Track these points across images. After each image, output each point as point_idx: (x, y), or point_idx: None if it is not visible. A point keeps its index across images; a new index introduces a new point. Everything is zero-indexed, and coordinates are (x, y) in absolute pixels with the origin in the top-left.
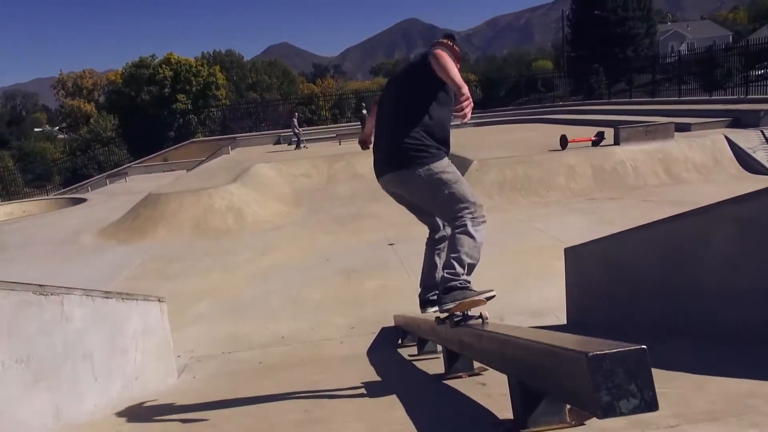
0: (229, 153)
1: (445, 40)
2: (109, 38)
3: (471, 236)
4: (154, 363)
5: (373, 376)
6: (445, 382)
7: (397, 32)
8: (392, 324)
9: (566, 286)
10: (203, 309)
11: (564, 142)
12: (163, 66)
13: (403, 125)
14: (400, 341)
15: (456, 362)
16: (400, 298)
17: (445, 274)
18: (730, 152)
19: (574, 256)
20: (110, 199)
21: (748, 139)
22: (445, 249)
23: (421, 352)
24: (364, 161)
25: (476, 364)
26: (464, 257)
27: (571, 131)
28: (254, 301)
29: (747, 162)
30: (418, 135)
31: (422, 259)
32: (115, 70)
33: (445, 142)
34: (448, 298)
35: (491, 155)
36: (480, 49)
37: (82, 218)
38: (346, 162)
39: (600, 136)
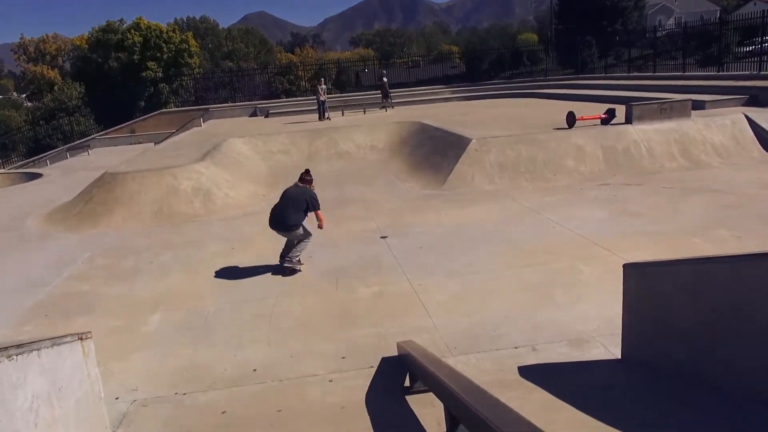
0: (201, 125)
1: (309, 178)
2: (74, 2)
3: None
4: (72, 431)
5: None
6: None
7: (375, 3)
8: (394, 353)
9: (624, 311)
10: (156, 325)
11: (571, 119)
12: (132, 31)
13: (293, 215)
14: (408, 384)
15: None
16: (402, 312)
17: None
18: (752, 133)
19: (640, 275)
20: (68, 175)
21: None
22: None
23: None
24: (348, 138)
25: None
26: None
27: (571, 108)
28: (220, 315)
29: None
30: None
31: (420, 257)
32: (80, 35)
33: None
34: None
35: (489, 133)
36: (460, 21)
37: (33, 198)
38: (328, 138)
39: (611, 114)
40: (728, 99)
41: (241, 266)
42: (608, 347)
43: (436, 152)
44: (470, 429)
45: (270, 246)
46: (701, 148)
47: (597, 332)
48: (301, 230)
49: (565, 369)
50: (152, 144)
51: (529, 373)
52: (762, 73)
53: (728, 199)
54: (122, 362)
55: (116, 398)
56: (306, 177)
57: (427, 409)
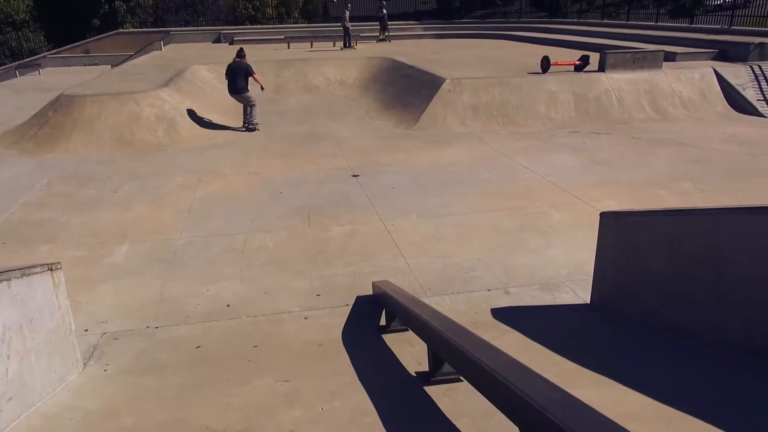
0: (161, 49)
1: (243, 54)
2: None
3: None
4: (44, 362)
5: (354, 382)
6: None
7: None
8: (369, 292)
9: (597, 258)
10: (123, 256)
11: (546, 64)
12: None
13: (240, 81)
14: (385, 323)
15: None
16: (375, 251)
17: (250, 119)
18: (719, 88)
19: (617, 225)
20: (19, 94)
21: (737, 74)
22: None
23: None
24: (318, 71)
25: None
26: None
27: (544, 52)
28: (190, 249)
29: (735, 100)
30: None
31: (393, 198)
32: None
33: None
34: (255, 124)
35: (463, 74)
36: None
37: None
38: (296, 70)
39: (585, 60)
40: (698, 52)
41: (209, 199)
42: (577, 292)
43: (409, 91)
44: (458, 369)
45: (240, 179)
46: (669, 100)
47: (567, 278)
48: (249, 93)
49: (536, 312)
50: (109, 66)
51: (502, 315)
52: (733, 27)
53: (693, 152)
54: (89, 294)
55: (85, 330)
56: (241, 53)
57: (405, 347)
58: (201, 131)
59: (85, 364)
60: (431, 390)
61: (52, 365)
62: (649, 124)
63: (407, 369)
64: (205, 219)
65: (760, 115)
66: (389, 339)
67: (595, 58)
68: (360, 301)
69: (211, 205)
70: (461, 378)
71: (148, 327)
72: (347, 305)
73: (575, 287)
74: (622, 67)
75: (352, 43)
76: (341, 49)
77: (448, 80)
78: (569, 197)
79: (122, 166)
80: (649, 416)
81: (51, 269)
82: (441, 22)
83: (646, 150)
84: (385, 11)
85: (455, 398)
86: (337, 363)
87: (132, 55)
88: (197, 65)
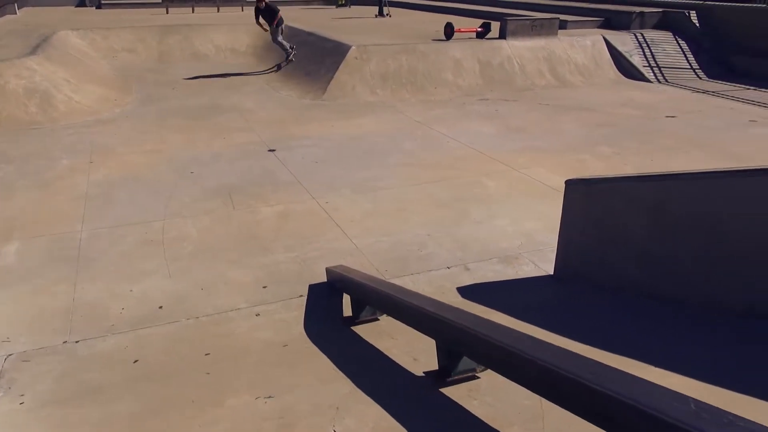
0: (15, 13)
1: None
2: None
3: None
4: None
5: (354, 391)
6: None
7: None
8: (320, 280)
9: (562, 227)
10: (14, 256)
11: (450, 31)
12: None
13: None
14: (352, 313)
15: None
16: (315, 233)
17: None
18: (609, 55)
19: (587, 192)
20: None
21: (624, 42)
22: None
23: (358, 317)
24: (206, 37)
25: None
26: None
27: (438, 20)
28: (97, 242)
29: (624, 66)
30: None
31: (318, 172)
32: None
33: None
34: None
35: (368, 41)
36: None
37: None
38: (182, 36)
39: (486, 28)
40: (586, 20)
41: (108, 183)
42: (537, 264)
43: (311, 59)
44: (491, 365)
45: (139, 158)
46: (566, 67)
47: (522, 249)
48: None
49: (504, 287)
50: None
51: (470, 293)
52: None
53: (599, 117)
54: None
55: None
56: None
57: (385, 340)
58: (82, 105)
59: None
60: (450, 392)
61: None
62: (551, 91)
63: (405, 367)
64: (108, 206)
65: (647, 80)
66: (362, 331)
67: (495, 26)
68: (314, 290)
69: (111, 189)
70: (477, 374)
71: (65, 342)
72: (301, 296)
73: (534, 258)
74: (522, 35)
75: (386, 11)
76: (375, 16)
77: (354, 47)
78: (498, 165)
79: None
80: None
81: None
82: None
83: (556, 116)
84: None
85: (484, 399)
86: (317, 366)
87: None
88: (65, 31)
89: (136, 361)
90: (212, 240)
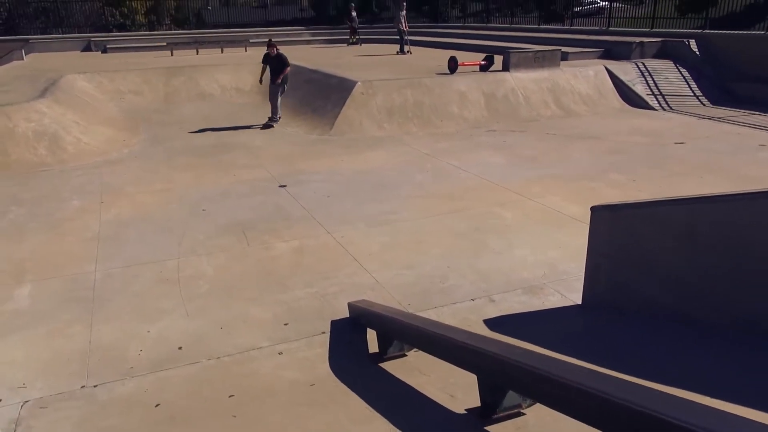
0: (23, 59)
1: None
2: None
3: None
4: None
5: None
6: None
7: None
8: (342, 315)
9: (589, 254)
10: (27, 299)
11: (453, 64)
12: None
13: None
14: (379, 350)
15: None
16: (333, 268)
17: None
18: (611, 84)
19: (612, 218)
20: None
21: (626, 71)
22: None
23: (386, 353)
24: (211, 77)
25: None
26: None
27: (440, 55)
28: (111, 282)
29: (627, 95)
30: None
31: (331, 206)
32: None
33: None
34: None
35: (373, 76)
36: None
37: None
38: (186, 77)
39: (489, 60)
40: (586, 51)
41: (119, 223)
42: (564, 294)
43: (317, 96)
44: (544, 400)
45: (149, 198)
46: (570, 97)
47: (546, 279)
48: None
49: (532, 318)
50: None
51: (498, 325)
52: (611, 29)
53: (607, 145)
54: None
55: None
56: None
57: (416, 376)
58: (90, 147)
59: None
60: (496, 430)
61: None
62: (556, 121)
63: (443, 404)
64: (120, 246)
65: (651, 108)
66: (391, 368)
67: (497, 58)
68: (336, 326)
69: (123, 229)
70: (523, 411)
71: (83, 387)
72: (323, 333)
73: (559, 288)
74: (525, 66)
75: (407, 49)
76: (397, 53)
77: (359, 83)
78: (511, 194)
79: (0, 191)
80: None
81: None
82: (329, 28)
83: (564, 145)
84: (354, 13)
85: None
86: (349, 406)
87: None
88: (73, 74)
89: (157, 405)
90: (229, 277)
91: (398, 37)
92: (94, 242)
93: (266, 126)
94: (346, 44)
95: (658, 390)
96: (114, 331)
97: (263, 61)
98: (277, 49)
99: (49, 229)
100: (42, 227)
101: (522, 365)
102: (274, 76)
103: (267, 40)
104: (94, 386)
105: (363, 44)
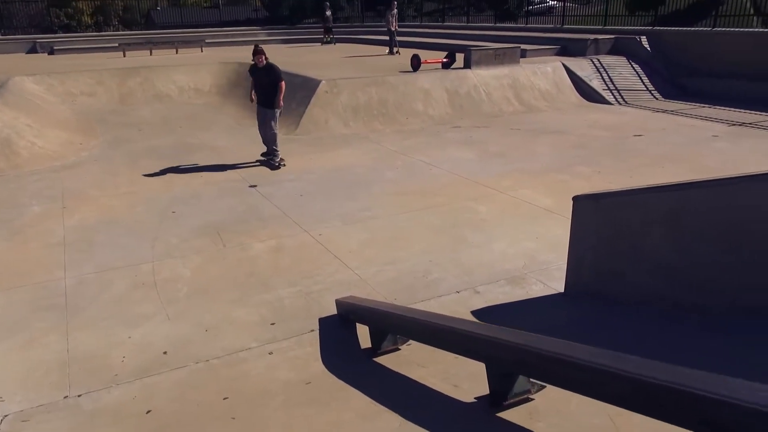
0: None
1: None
2: None
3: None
4: None
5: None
6: None
7: None
8: (331, 312)
9: (571, 243)
10: None
11: (416, 62)
12: None
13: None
14: (372, 345)
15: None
16: (314, 266)
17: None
18: (569, 80)
19: (596, 207)
20: None
21: (582, 67)
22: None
23: (379, 347)
24: (167, 78)
25: None
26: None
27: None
28: (85, 289)
29: (584, 90)
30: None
31: (305, 205)
32: None
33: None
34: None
35: (336, 75)
36: None
37: None
38: (142, 78)
39: (451, 58)
40: (543, 49)
41: (86, 228)
42: (546, 283)
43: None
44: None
45: (114, 201)
46: (531, 93)
47: (527, 269)
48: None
49: (519, 307)
50: None
51: (487, 315)
52: (565, 26)
53: (570, 139)
54: None
55: None
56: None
57: (414, 369)
58: (46, 150)
59: None
60: (509, 416)
61: None
62: (519, 116)
63: (449, 395)
64: (90, 251)
65: (607, 102)
66: (387, 362)
67: (458, 56)
68: (325, 323)
69: (90, 234)
70: (532, 396)
71: (66, 397)
72: (312, 330)
73: (540, 277)
74: (486, 64)
75: (396, 50)
76: (387, 53)
77: (323, 81)
78: (484, 189)
79: None
80: None
81: None
82: (286, 28)
83: (529, 139)
84: (328, 13)
85: (550, 421)
86: (352, 402)
87: None
88: (20, 77)
89: (149, 412)
90: (208, 279)
91: (388, 37)
92: (60, 248)
93: (264, 164)
94: (320, 43)
95: (683, 367)
96: (92, 338)
97: (250, 73)
98: (266, 58)
99: (10, 236)
100: (2, 234)
101: (541, 351)
102: (264, 96)
103: (224, 40)
104: (78, 396)
105: (337, 43)
